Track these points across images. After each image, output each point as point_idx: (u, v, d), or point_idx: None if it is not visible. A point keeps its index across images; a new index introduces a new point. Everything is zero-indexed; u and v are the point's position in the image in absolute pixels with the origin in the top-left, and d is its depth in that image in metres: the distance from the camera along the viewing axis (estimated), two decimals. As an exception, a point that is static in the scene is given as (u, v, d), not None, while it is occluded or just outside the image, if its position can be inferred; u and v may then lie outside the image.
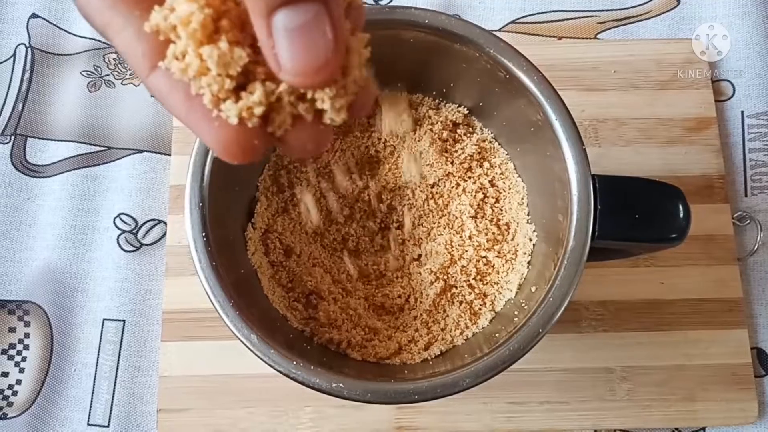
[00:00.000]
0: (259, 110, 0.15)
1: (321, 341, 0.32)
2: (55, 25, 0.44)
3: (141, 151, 0.41)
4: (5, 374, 0.38)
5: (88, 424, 0.37)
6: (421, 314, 0.33)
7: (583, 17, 0.45)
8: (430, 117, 0.35)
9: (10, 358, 0.38)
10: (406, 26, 0.30)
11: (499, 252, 0.34)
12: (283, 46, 0.13)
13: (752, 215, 0.40)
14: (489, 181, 0.35)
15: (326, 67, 0.13)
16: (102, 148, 0.42)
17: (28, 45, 0.44)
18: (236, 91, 0.15)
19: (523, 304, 0.31)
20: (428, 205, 0.35)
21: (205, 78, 0.14)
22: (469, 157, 0.35)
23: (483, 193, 0.35)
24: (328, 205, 0.35)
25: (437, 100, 0.36)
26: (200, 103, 0.15)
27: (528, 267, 0.33)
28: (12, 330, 0.38)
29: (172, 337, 0.37)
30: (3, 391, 0.37)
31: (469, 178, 0.35)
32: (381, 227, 0.36)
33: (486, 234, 0.34)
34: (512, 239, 0.34)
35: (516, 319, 0.30)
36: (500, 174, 0.35)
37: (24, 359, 0.38)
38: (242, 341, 0.27)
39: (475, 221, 0.34)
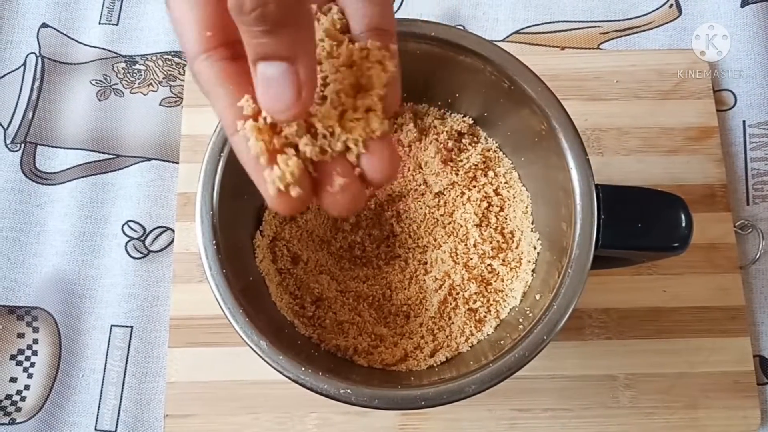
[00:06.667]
0: (294, 191, 0.18)
1: (328, 348, 0.32)
2: (65, 35, 0.45)
3: (149, 159, 0.42)
4: (14, 380, 0.38)
5: (96, 430, 0.37)
6: (426, 321, 0.33)
7: (586, 28, 0.45)
8: (435, 127, 0.36)
9: (19, 363, 0.38)
10: (412, 38, 0.31)
11: (503, 260, 0.34)
12: (259, 89, 0.17)
13: (754, 224, 0.41)
14: (493, 190, 0.36)
15: (289, 110, 0.17)
16: (111, 156, 0.42)
17: (38, 54, 0.44)
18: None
19: (527, 312, 0.31)
20: (433, 214, 0.36)
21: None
22: (473, 167, 0.36)
23: (488, 202, 0.35)
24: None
25: (442, 111, 0.36)
26: (261, 168, 0.19)
27: (532, 275, 0.33)
28: (21, 336, 0.39)
29: (179, 343, 0.37)
30: (11, 396, 0.38)
31: (474, 187, 0.35)
32: (387, 235, 0.36)
33: (490, 242, 0.34)
34: (516, 247, 0.35)
35: (521, 326, 0.30)
36: (505, 183, 0.36)
37: (32, 365, 0.38)
38: (252, 347, 0.27)
39: (480, 229, 0.35)
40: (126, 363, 0.38)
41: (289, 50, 0.17)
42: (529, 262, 0.33)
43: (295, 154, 0.19)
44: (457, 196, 0.35)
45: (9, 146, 0.42)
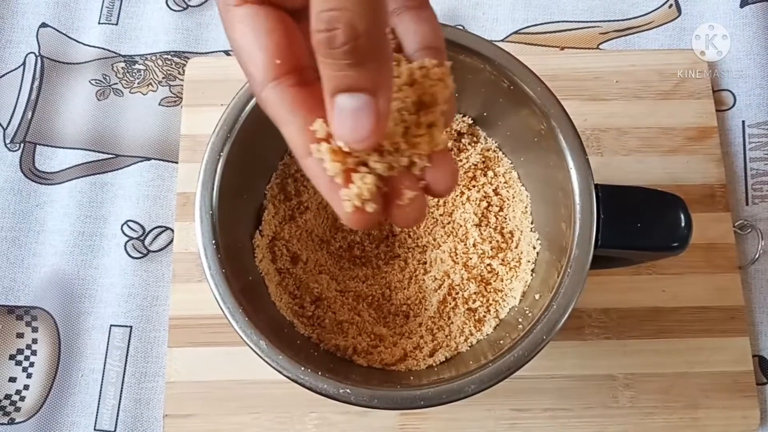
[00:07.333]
0: (370, 207, 0.19)
1: (327, 347, 0.32)
2: (65, 35, 0.45)
3: (148, 159, 0.42)
4: (13, 379, 0.38)
5: (95, 430, 0.37)
6: (425, 321, 0.33)
7: (585, 28, 0.45)
8: (435, 126, 0.36)
9: (18, 363, 0.38)
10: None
11: (503, 260, 0.34)
12: (336, 119, 0.18)
13: (753, 224, 0.41)
14: (493, 190, 0.36)
15: (367, 139, 0.18)
16: (110, 156, 0.42)
17: (37, 54, 0.44)
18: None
19: (527, 312, 0.31)
20: (433, 214, 0.36)
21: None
22: (473, 166, 0.36)
23: (487, 202, 0.35)
24: (334, 212, 0.35)
25: (442, 110, 0.36)
26: (338, 187, 0.19)
27: (532, 275, 0.33)
28: (20, 335, 0.39)
29: (178, 343, 0.37)
30: (11, 396, 0.38)
31: (474, 186, 0.36)
32: (386, 235, 0.36)
33: (490, 242, 0.34)
34: (516, 247, 0.35)
35: (520, 326, 0.30)
36: (504, 183, 0.36)
37: (32, 365, 0.38)
38: (251, 347, 0.27)
39: (480, 229, 0.35)
40: (125, 363, 0.38)
41: (373, 83, 0.17)
42: (529, 261, 0.33)
43: (368, 171, 0.19)
44: (457, 195, 0.35)
45: (8, 146, 0.42)
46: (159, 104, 0.43)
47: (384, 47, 0.17)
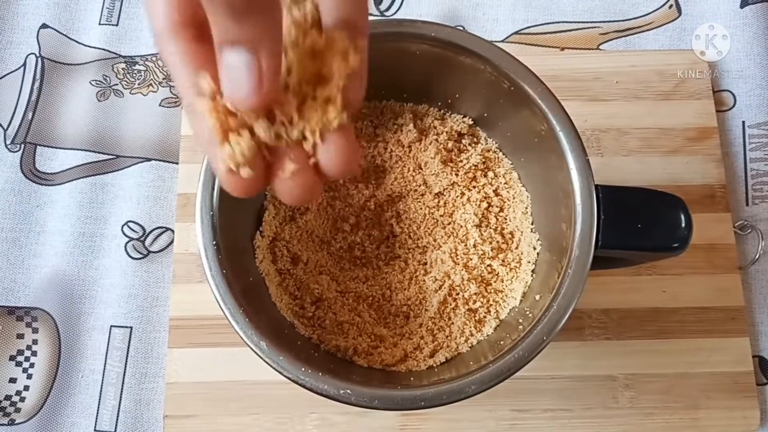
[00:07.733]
0: (245, 172, 0.19)
1: (327, 348, 0.32)
2: (65, 35, 0.45)
3: (149, 160, 0.42)
4: (13, 380, 0.38)
5: (95, 430, 0.37)
6: (426, 322, 0.33)
7: (586, 28, 0.45)
8: (435, 127, 0.36)
9: (18, 364, 0.38)
10: (413, 39, 0.31)
11: (503, 260, 0.34)
12: (222, 76, 0.17)
13: (753, 224, 0.41)
14: (493, 191, 0.36)
15: (249, 98, 0.17)
16: (110, 157, 0.42)
17: (38, 55, 0.44)
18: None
19: (527, 312, 0.31)
20: (433, 214, 0.36)
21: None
22: (473, 167, 0.36)
23: (487, 203, 0.35)
24: (335, 213, 0.36)
25: (442, 111, 0.37)
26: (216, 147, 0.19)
27: (532, 275, 0.33)
28: (20, 336, 0.39)
29: (178, 343, 0.37)
30: (11, 397, 0.38)
31: (474, 187, 0.36)
32: (386, 236, 0.36)
33: (490, 243, 0.34)
34: (516, 248, 0.35)
35: (520, 326, 0.30)
36: (504, 183, 0.36)
37: (32, 365, 0.38)
38: (252, 348, 0.27)
39: (480, 230, 0.35)
40: (125, 363, 0.38)
41: (253, 38, 0.17)
42: (529, 262, 0.33)
43: (251, 136, 0.19)
44: (457, 196, 0.35)
45: (9, 147, 0.42)
46: (159, 105, 0.43)
47: (267, 4, 0.17)
